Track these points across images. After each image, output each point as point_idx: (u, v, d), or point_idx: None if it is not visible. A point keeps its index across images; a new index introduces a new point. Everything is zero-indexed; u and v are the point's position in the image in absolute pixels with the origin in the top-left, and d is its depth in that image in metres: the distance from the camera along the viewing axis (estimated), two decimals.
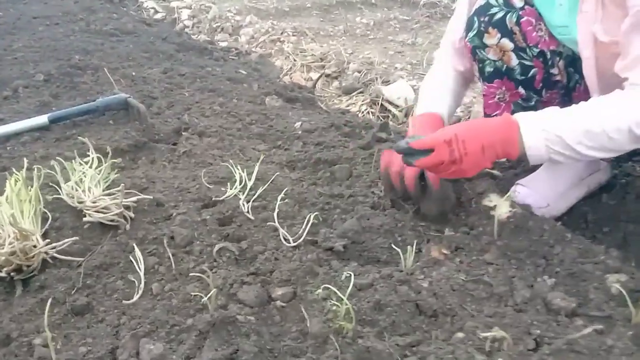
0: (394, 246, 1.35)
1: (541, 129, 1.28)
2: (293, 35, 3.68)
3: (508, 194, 1.45)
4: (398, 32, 4.02)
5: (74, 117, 2.09)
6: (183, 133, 2.01)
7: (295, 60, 3.22)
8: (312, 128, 2.09)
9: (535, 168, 1.65)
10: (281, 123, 2.19)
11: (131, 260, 1.31)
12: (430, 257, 1.34)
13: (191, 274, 1.27)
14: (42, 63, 2.74)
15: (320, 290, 1.19)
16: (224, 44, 3.77)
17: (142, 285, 1.24)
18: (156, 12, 4.66)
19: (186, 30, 4.15)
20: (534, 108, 1.55)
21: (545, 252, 1.32)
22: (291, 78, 3.05)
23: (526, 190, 1.59)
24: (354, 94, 2.83)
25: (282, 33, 3.71)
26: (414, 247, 1.30)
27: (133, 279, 1.26)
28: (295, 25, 3.95)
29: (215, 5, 4.51)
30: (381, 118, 2.61)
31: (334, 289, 1.14)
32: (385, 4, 4.83)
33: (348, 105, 2.72)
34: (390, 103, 2.69)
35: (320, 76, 2.91)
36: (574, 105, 1.32)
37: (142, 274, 1.27)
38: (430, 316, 1.15)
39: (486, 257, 1.33)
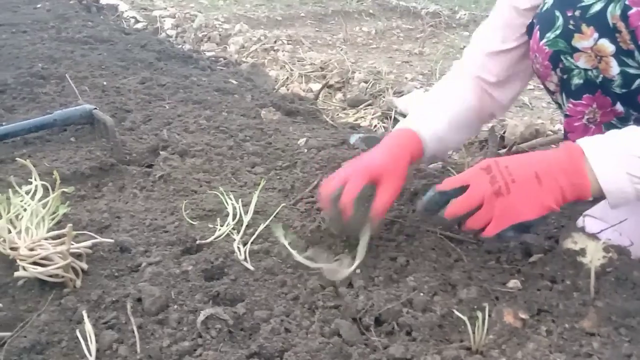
0: (455, 310, 0.96)
1: (614, 152, 0.97)
2: (288, 44, 3.31)
3: (600, 233, 1.08)
4: (402, 41, 3.69)
5: (25, 133, 1.68)
6: (161, 152, 1.61)
7: (292, 69, 2.84)
8: (320, 145, 1.70)
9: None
10: (281, 139, 1.80)
11: (78, 337, 0.90)
12: (504, 325, 0.95)
13: (165, 358, 0.87)
14: None
15: None
16: (211, 54, 3.39)
17: None
18: (137, 21, 4.28)
19: (169, 39, 3.77)
20: None
21: None
22: (288, 89, 2.67)
23: (599, 225, 1.20)
24: (361, 106, 2.46)
25: (275, 42, 3.34)
26: (486, 312, 0.91)
27: None
28: (289, 33, 3.59)
29: (201, 13, 4.13)
30: None
31: None
32: (384, 13, 4.52)
33: (356, 119, 2.34)
34: (405, 117, 2.31)
35: (324, 86, 2.53)
36: None
37: (92, 358, 0.87)
38: None
39: (584, 324, 0.95)
